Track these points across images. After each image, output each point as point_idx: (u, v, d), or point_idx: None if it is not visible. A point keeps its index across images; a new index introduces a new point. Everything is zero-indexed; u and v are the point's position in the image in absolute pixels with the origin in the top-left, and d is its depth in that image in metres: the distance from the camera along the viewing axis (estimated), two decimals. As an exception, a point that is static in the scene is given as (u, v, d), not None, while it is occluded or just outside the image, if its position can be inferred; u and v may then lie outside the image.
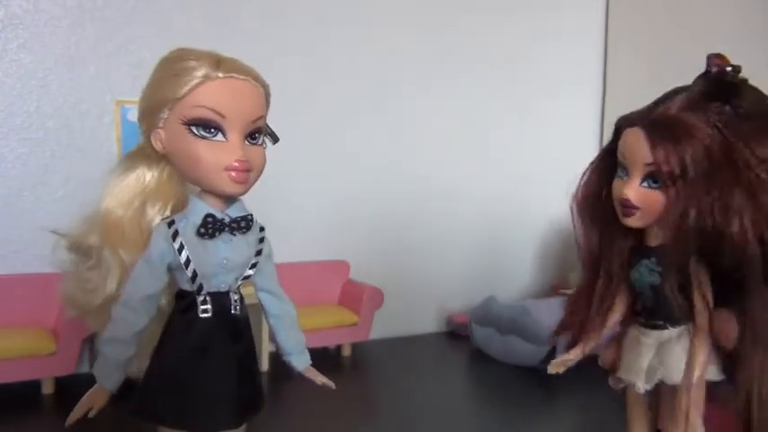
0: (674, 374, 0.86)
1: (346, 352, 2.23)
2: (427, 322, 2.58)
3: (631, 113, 0.90)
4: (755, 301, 0.80)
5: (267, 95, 0.88)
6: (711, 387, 0.88)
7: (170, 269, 0.85)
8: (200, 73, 0.80)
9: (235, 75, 0.82)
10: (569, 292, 2.21)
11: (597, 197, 0.97)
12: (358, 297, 2.23)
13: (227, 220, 0.85)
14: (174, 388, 0.85)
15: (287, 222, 2.24)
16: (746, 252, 0.78)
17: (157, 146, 0.84)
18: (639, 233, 0.91)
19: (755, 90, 0.87)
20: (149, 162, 0.89)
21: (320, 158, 2.32)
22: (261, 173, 0.86)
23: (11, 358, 1.71)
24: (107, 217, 0.87)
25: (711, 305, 0.85)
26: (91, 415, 0.83)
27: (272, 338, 0.99)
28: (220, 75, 0.81)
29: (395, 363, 2.23)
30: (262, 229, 0.91)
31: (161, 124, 0.83)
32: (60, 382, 1.79)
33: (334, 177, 2.35)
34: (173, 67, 0.82)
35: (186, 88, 0.80)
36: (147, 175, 0.89)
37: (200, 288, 0.86)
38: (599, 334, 0.96)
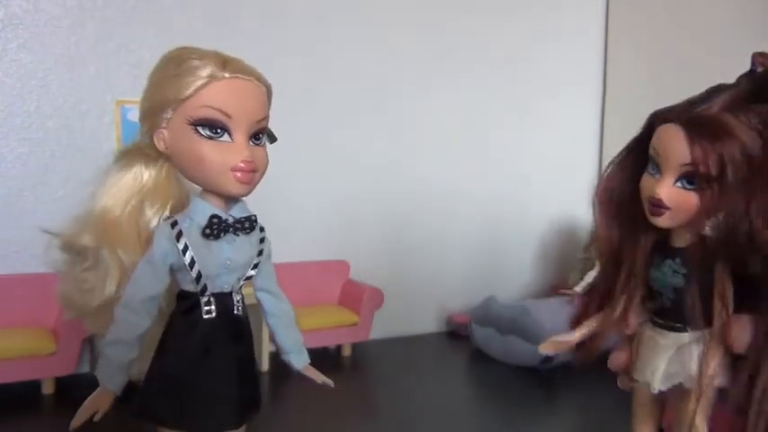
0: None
1: (346, 352, 2.23)
2: (427, 322, 2.58)
3: (668, 109, 0.86)
4: None
5: (269, 95, 0.88)
6: (721, 392, 0.87)
7: (172, 270, 0.85)
8: (204, 73, 0.80)
9: (240, 75, 0.82)
10: (570, 291, 2.22)
11: (621, 191, 0.93)
12: (358, 297, 2.23)
13: (230, 220, 0.85)
14: (177, 389, 0.85)
15: (287, 222, 2.24)
16: None
17: (160, 146, 0.84)
18: (664, 231, 0.88)
19: None
20: (147, 160, 0.88)
21: (320, 158, 2.32)
22: (264, 173, 0.86)
23: (11, 358, 1.71)
24: (104, 216, 0.86)
25: (730, 311, 0.83)
26: (96, 419, 0.83)
27: (272, 338, 0.99)
28: (227, 75, 0.81)
29: (395, 363, 2.23)
30: (262, 229, 0.91)
31: (164, 124, 0.82)
32: (60, 382, 1.79)
33: (334, 177, 2.35)
34: (176, 66, 0.81)
35: (191, 88, 0.79)
36: (144, 174, 0.88)
37: (204, 289, 0.86)
38: (618, 329, 0.93)
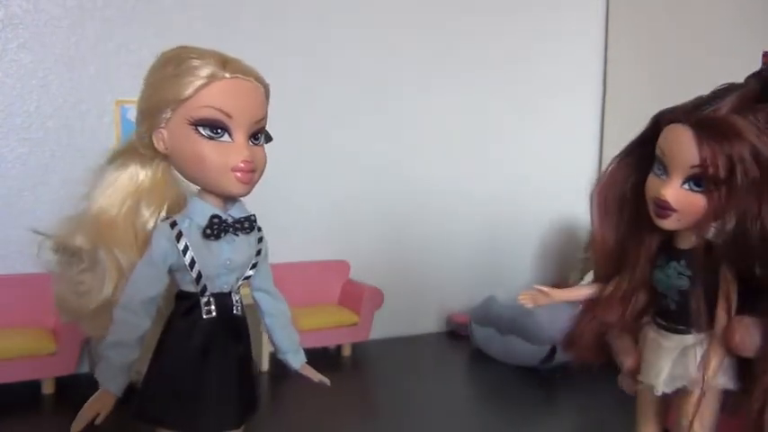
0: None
1: (346, 352, 2.23)
2: (427, 322, 2.58)
3: (674, 108, 0.84)
4: None
5: (267, 95, 0.88)
6: (724, 395, 0.86)
7: (171, 271, 0.85)
8: (204, 73, 0.79)
9: (240, 75, 0.82)
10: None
11: (622, 191, 0.92)
12: (358, 297, 2.23)
13: (230, 220, 0.85)
14: (177, 390, 0.84)
15: (287, 222, 2.24)
16: None
17: (160, 146, 0.83)
18: (668, 232, 0.87)
19: None
20: (143, 161, 0.87)
21: (320, 158, 2.32)
22: (263, 173, 0.86)
23: (11, 358, 1.71)
24: (99, 217, 0.85)
25: (733, 313, 0.82)
26: (98, 421, 0.82)
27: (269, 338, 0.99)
28: (227, 75, 0.80)
29: (395, 363, 2.23)
30: (259, 229, 0.91)
31: (163, 124, 0.82)
32: (60, 382, 1.79)
33: (334, 177, 2.35)
34: (175, 66, 0.81)
35: (192, 88, 0.79)
36: (140, 174, 0.87)
37: (204, 289, 0.85)
38: (607, 318, 0.92)
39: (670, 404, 0.93)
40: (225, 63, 0.81)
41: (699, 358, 0.84)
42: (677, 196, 0.81)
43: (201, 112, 0.80)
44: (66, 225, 0.87)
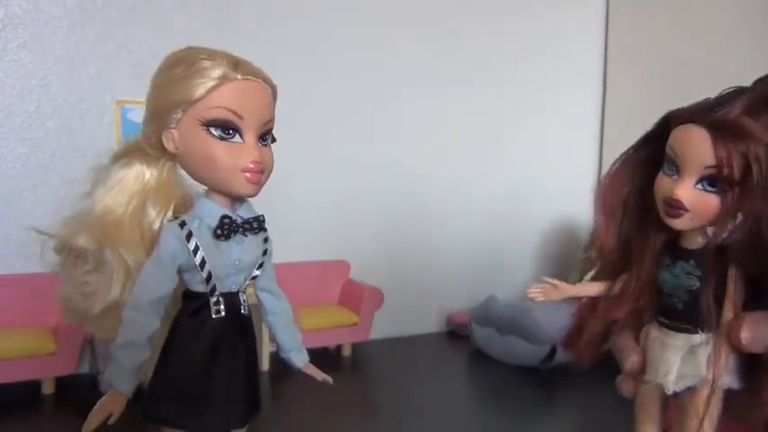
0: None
1: (346, 352, 2.23)
2: (427, 322, 2.58)
3: (685, 109, 0.84)
4: None
5: (275, 96, 0.88)
6: (726, 396, 0.86)
7: (179, 271, 0.85)
8: (216, 74, 0.80)
9: (250, 77, 0.82)
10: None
11: (628, 190, 0.91)
12: (358, 297, 2.23)
13: (239, 221, 0.85)
14: (186, 390, 0.85)
15: (287, 222, 2.24)
16: None
17: (170, 146, 0.83)
18: (673, 232, 0.86)
19: None
20: (148, 160, 0.87)
21: (320, 158, 2.32)
22: (270, 174, 0.86)
23: (11, 358, 1.71)
24: (105, 216, 0.85)
25: (739, 311, 0.82)
26: (111, 422, 0.82)
27: (271, 337, 0.99)
28: (239, 77, 0.81)
29: (395, 363, 2.24)
30: (265, 229, 0.92)
31: (173, 125, 0.82)
32: (60, 382, 1.79)
33: (334, 177, 2.35)
34: (186, 67, 0.81)
35: (203, 89, 0.79)
36: (146, 174, 0.87)
37: (214, 289, 0.86)
38: (611, 315, 0.92)
39: (669, 405, 0.93)
40: (236, 64, 0.81)
41: (707, 357, 0.84)
42: (690, 196, 0.81)
43: (213, 113, 0.80)
44: (69, 225, 0.87)
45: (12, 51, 1.87)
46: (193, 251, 0.82)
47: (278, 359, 0.99)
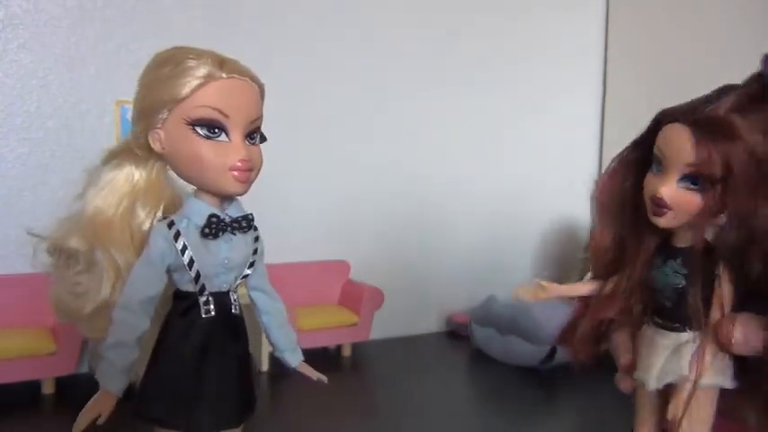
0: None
1: (346, 352, 2.23)
2: (427, 322, 2.58)
3: (674, 108, 0.85)
4: None
5: (263, 94, 0.88)
6: (721, 396, 0.86)
7: (168, 270, 0.85)
8: (201, 73, 0.80)
9: (236, 75, 0.82)
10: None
11: (624, 190, 0.92)
12: (358, 297, 2.23)
13: (228, 219, 0.85)
14: (177, 389, 0.85)
15: (287, 222, 2.24)
16: None
17: (156, 146, 0.83)
18: (667, 232, 0.87)
19: None
20: (137, 161, 0.87)
21: (320, 158, 2.32)
22: (259, 172, 0.86)
23: (11, 358, 1.71)
24: (96, 217, 0.86)
25: (727, 311, 0.83)
26: (100, 422, 0.82)
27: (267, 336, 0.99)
28: (224, 75, 0.81)
29: (395, 363, 2.24)
30: (255, 228, 0.92)
31: (160, 125, 0.82)
32: (60, 382, 1.79)
33: (334, 177, 2.35)
34: (172, 66, 0.81)
35: (188, 88, 0.79)
36: (135, 175, 0.87)
37: (203, 289, 0.86)
38: (604, 314, 0.93)
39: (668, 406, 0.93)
40: (221, 63, 0.81)
41: (691, 355, 0.84)
42: (673, 194, 0.81)
43: (198, 112, 0.80)
44: (62, 227, 0.88)
45: (12, 51, 1.87)
46: (181, 251, 0.83)
47: (277, 359, 0.98)
